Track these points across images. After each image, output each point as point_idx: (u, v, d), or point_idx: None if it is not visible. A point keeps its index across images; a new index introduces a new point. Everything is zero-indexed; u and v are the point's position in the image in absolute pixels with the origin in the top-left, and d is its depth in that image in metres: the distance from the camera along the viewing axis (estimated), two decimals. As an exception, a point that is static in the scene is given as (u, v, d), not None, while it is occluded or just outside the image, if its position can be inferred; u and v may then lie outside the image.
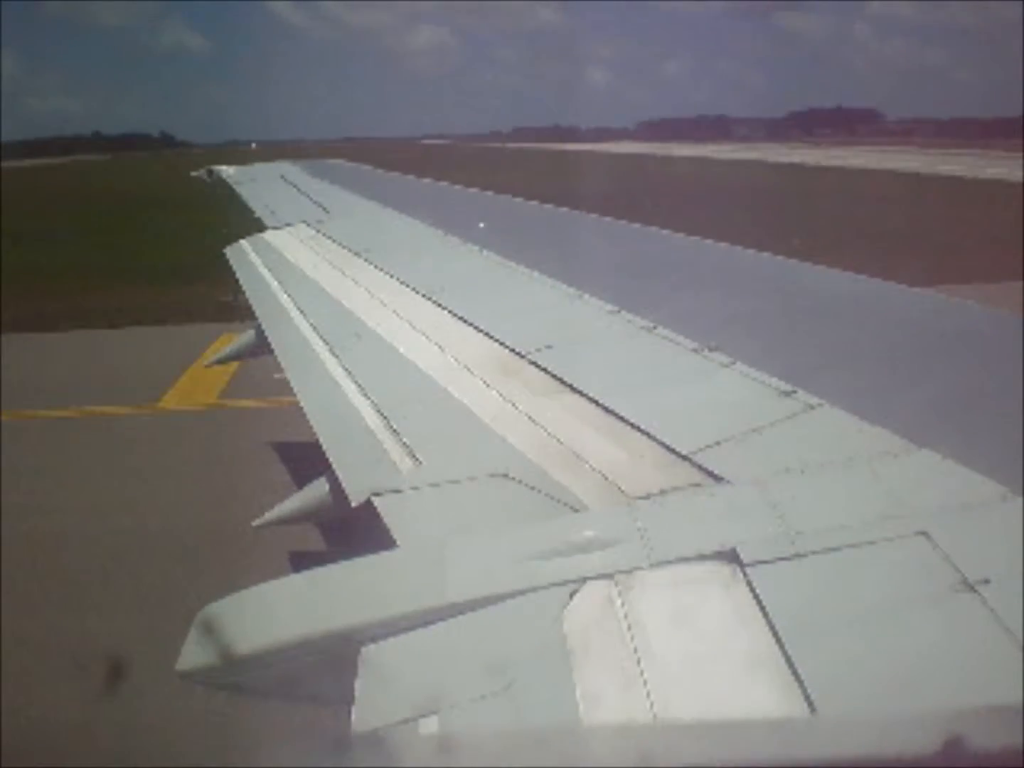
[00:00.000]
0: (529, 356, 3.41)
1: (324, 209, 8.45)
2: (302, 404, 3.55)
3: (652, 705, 1.56)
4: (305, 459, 3.14)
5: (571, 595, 1.83)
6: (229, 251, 7.46)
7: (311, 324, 4.64)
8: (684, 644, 1.71)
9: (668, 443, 2.46)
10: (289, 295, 5.44)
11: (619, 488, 2.32)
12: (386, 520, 2.37)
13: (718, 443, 2.40)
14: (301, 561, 2.08)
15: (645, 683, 1.60)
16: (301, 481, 3.07)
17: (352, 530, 2.57)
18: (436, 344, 3.87)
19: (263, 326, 5.15)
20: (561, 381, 3.11)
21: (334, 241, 6.74)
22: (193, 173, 15.84)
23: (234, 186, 11.71)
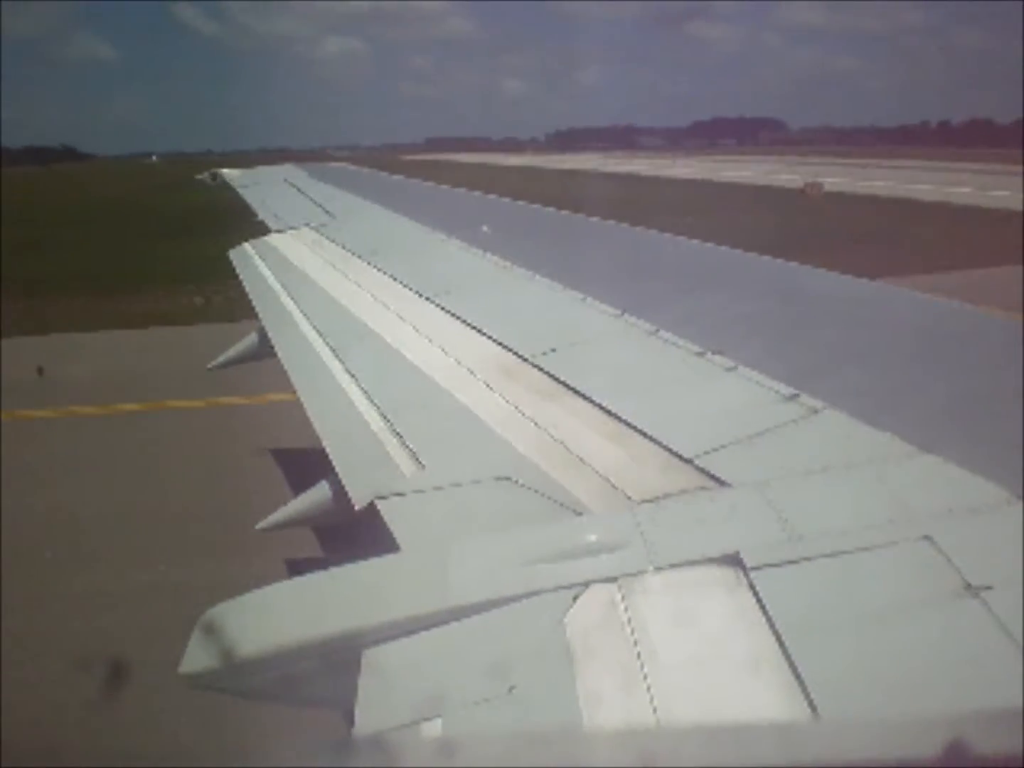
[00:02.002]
0: (532, 360, 3.41)
1: (328, 212, 8.46)
2: (305, 406, 3.55)
3: (655, 708, 1.56)
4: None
5: (574, 599, 1.83)
6: (233, 254, 7.47)
7: (314, 327, 4.65)
8: (687, 648, 1.71)
9: (671, 447, 2.46)
10: (292, 298, 5.45)
11: (622, 492, 2.32)
12: (389, 523, 2.37)
13: (721, 447, 2.40)
14: (304, 564, 2.09)
15: (648, 686, 1.60)
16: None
17: (355, 533, 2.57)
18: (440, 347, 3.87)
19: (267, 329, 5.16)
20: (564, 384, 3.11)
21: (338, 244, 6.75)
22: (197, 176, 15.95)
23: (238, 189, 11.74)
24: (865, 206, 37.72)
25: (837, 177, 51.04)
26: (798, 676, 1.54)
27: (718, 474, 2.25)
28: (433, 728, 1.59)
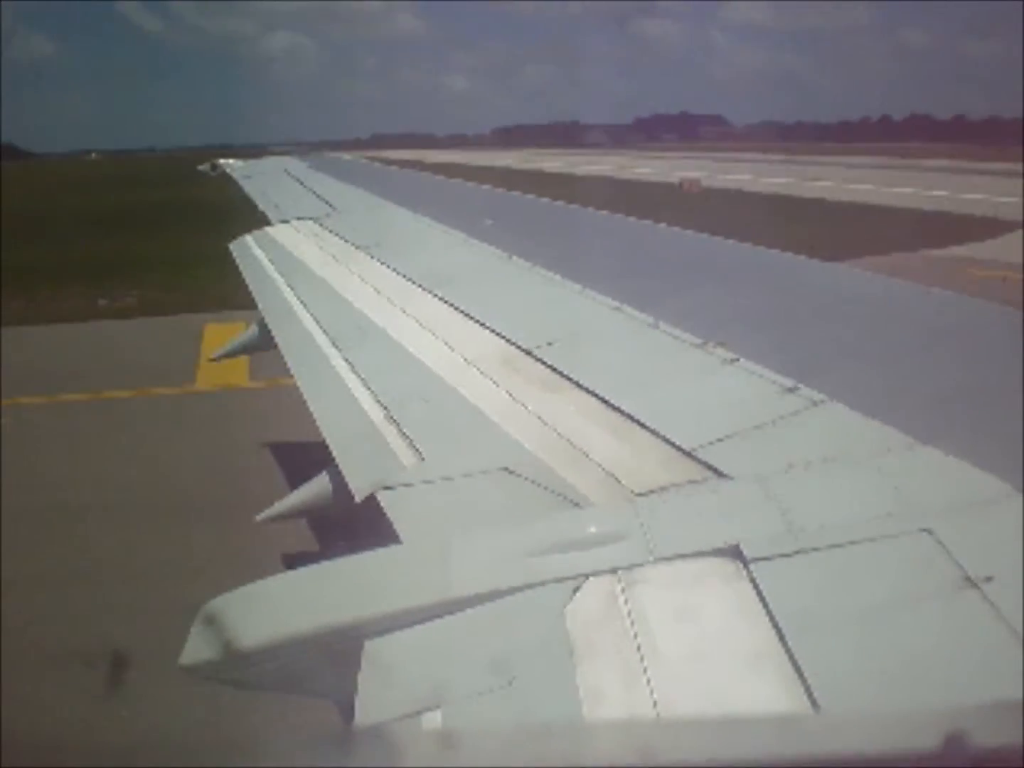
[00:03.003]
0: (533, 351, 3.41)
1: (329, 204, 8.44)
2: (306, 399, 3.55)
3: (655, 701, 1.56)
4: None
5: (574, 591, 1.83)
6: (233, 246, 7.46)
7: (315, 319, 4.64)
8: (686, 640, 1.71)
9: (671, 439, 2.46)
10: (293, 290, 5.44)
11: (622, 484, 2.32)
12: (389, 515, 2.37)
13: (721, 439, 2.40)
14: (304, 556, 2.09)
15: (648, 679, 1.60)
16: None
17: (355, 525, 2.57)
18: (440, 339, 3.87)
19: (267, 321, 5.15)
20: (565, 376, 3.11)
21: (339, 236, 6.74)
22: (199, 167, 15.90)
23: (238, 180, 11.71)
24: (732, 200, 39.19)
25: (738, 174, 53.35)
26: (798, 669, 1.54)
27: (718, 466, 2.25)
28: (433, 720, 1.59)
